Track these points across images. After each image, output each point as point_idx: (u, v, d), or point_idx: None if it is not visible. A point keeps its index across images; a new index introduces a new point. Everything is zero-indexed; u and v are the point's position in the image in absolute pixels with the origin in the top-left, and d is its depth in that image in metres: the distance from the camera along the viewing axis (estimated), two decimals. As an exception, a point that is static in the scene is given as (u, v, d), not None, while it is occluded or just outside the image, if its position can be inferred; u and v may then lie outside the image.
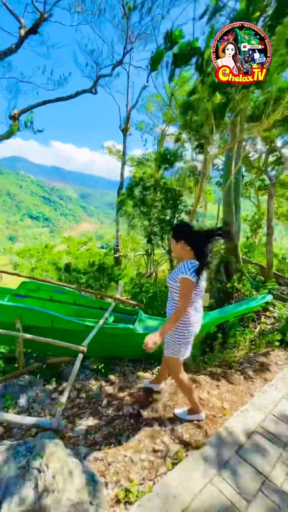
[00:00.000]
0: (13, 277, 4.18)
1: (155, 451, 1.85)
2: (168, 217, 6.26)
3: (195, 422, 2.11)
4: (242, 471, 1.67)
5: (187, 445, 1.88)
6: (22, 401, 2.53)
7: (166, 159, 6.36)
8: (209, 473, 1.62)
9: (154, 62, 2.75)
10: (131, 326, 3.09)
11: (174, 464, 1.71)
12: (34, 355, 3.64)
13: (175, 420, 2.14)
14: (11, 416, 1.92)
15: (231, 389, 2.66)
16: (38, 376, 2.93)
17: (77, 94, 6.94)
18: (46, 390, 2.70)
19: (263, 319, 4.50)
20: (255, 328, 4.27)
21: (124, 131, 11.03)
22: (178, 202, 5.95)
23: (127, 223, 6.95)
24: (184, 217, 6.15)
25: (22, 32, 5.03)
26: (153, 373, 2.96)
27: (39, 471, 1.45)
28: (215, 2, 2.33)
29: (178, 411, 2.22)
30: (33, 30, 5.05)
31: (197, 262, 1.75)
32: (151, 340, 1.59)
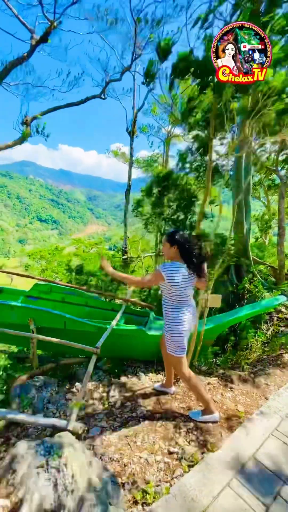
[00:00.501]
0: (23, 278, 4.26)
1: (170, 453, 1.85)
2: (181, 218, 6.23)
3: (210, 424, 2.10)
4: (260, 475, 1.65)
5: (202, 447, 1.87)
6: (37, 401, 2.58)
7: (186, 160, 6.35)
8: (227, 476, 1.61)
9: (149, 76, 2.78)
10: (142, 328, 3.10)
11: (190, 467, 1.70)
12: (45, 355, 3.70)
13: (190, 422, 2.14)
14: (28, 417, 1.97)
15: (245, 391, 2.63)
16: (51, 377, 2.98)
17: (87, 99, 7.04)
18: (60, 390, 2.74)
19: (275, 321, 4.43)
20: (268, 330, 4.21)
21: (131, 133, 11.08)
22: (192, 202, 5.93)
23: (142, 223, 6.95)
24: (196, 218, 6.12)
25: (33, 41, 5.16)
26: (165, 375, 2.95)
27: (58, 471, 1.47)
28: (212, 12, 2.34)
29: (193, 412, 2.22)
30: (44, 39, 5.18)
31: (179, 263, 1.98)
32: (104, 263, 2.16)
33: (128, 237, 13.84)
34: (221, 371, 3.07)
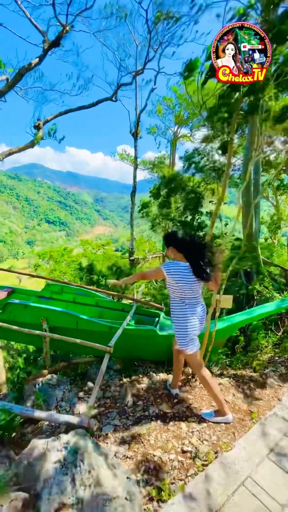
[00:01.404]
0: (32, 279, 4.34)
1: (184, 451, 1.86)
2: (189, 219, 6.26)
3: (223, 424, 2.10)
4: (274, 475, 1.65)
5: (216, 446, 1.88)
6: (51, 399, 2.63)
7: (191, 161, 6.38)
8: (241, 475, 1.61)
9: (190, 70, 2.78)
10: (153, 328, 3.12)
11: (204, 465, 1.71)
12: (56, 354, 3.75)
13: (203, 422, 2.14)
14: (44, 414, 2.01)
15: (257, 392, 2.62)
16: (64, 376, 3.02)
17: (98, 102, 7.12)
18: (72, 389, 2.78)
19: (287, 322, 4.38)
20: (279, 331, 4.16)
21: (135, 135, 11.13)
22: (199, 204, 5.94)
23: (150, 223, 7.00)
24: (204, 219, 6.13)
25: (46, 45, 5.27)
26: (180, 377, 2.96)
27: (75, 466, 1.51)
28: (243, 11, 2.33)
29: (205, 412, 2.23)
30: (56, 43, 5.28)
31: (182, 263, 2.03)
32: (112, 282, 2.48)
33: (135, 238, 13.91)
34: (232, 372, 3.06)
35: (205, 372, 2.14)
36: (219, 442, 1.93)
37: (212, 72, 2.21)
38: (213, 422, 2.12)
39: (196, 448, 1.87)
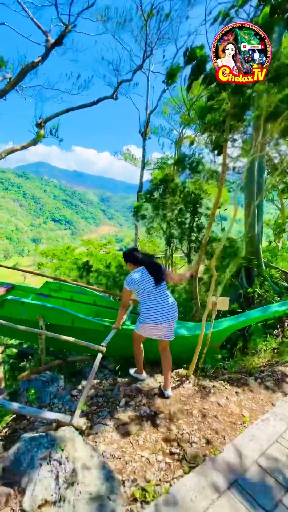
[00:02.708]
0: (36, 277, 4.38)
1: (172, 453, 1.85)
2: (187, 221, 6.24)
3: (214, 427, 2.08)
4: (262, 481, 1.62)
5: (204, 449, 1.86)
6: (44, 396, 2.64)
7: (183, 163, 6.37)
8: (228, 480, 1.59)
9: (171, 76, 2.79)
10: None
11: (191, 468, 1.70)
12: (53, 352, 3.77)
13: (193, 424, 2.13)
14: (34, 410, 2.02)
15: (251, 396, 2.59)
16: (58, 373, 3.03)
17: (99, 100, 7.15)
18: (66, 387, 2.79)
19: (286, 326, 4.33)
20: (278, 335, 4.11)
21: (144, 135, 11.12)
22: (198, 205, 5.91)
23: (146, 226, 7.00)
24: (203, 220, 6.09)
25: (48, 44, 5.31)
26: (170, 376, 2.95)
27: (60, 463, 1.51)
28: (225, 13, 2.33)
29: (131, 370, 2.90)
30: (59, 42, 5.32)
31: (135, 271, 2.56)
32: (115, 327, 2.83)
33: (139, 239, 13.91)
34: (228, 375, 3.03)
35: (138, 348, 2.74)
36: (208, 445, 1.91)
37: (196, 75, 2.20)
38: (133, 376, 2.80)
39: (184, 450, 1.85)
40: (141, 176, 11.60)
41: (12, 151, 5.13)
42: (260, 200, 6.34)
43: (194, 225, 5.93)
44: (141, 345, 2.76)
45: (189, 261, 6.80)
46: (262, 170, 6.52)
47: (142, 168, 11.46)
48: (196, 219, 5.94)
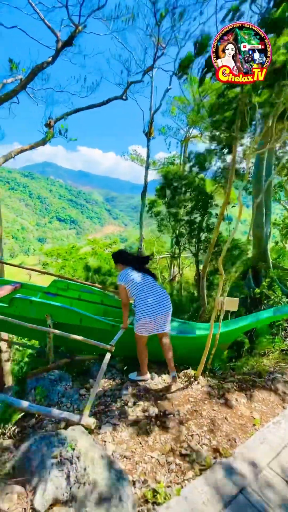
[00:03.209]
0: (41, 276, 4.40)
1: (182, 455, 1.83)
2: (197, 219, 6.20)
3: (224, 430, 2.06)
4: (275, 484, 1.59)
5: (215, 452, 1.84)
6: (52, 395, 2.64)
7: (192, 161, 6.35)
8: (240, 483, 1.57)
9: (183, 68, 2.77)
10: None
11: (202, 470, 1.67)
12: (61, 350, 3.78)
13: (203, 426, 2.10)
14: (43, 409, 2.02)
15: (261, 399, 2.55)
16: (66, 372, 3.04)
17: (108, 100, 7.16)
18: (74, 386, 2.79)
19: (295, 327, 4.26)
20: (287, 337, 4.06)
21: (148, 135, 11.10)
22: (209, 204, 5.87)
23: (157, 223, 6.98)
24: (213, 220, 6.05)
25: (59, 45, 5.34)
26: (178, 376, 2.93)
27: (71, 462, 1.50)
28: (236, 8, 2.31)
29: (131, 374, 2.85)
30: (69, 43, 5.35)
31: (124, 270, 2.73)
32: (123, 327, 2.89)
33: (144, 238, 13.88)
34: (237, 376, 2.99)
35: (142, 348, 2.77)
36: (219, 447, 1.88)
37: (209, 67, 2.19)
38: (136, 380, 2.74)
39: (195, 452, 1.83)
40: (146, 177, 11.57)
41: (22, 151, 5.17)
42: (267, 200, 6.27)
43: (204, 225, 5.89)
44: (145, 346, 2.78)
45: (197, 261, 6.76)
46: (270, 169, 6.45)
47: (147, 168, 11.43)
48: (206, 218, 5.90)
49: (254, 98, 2.21)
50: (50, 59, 5.40)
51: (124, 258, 2.86)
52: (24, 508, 1.37)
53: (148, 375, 2.84)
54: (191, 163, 6.13)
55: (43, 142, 5.44)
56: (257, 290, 5.21)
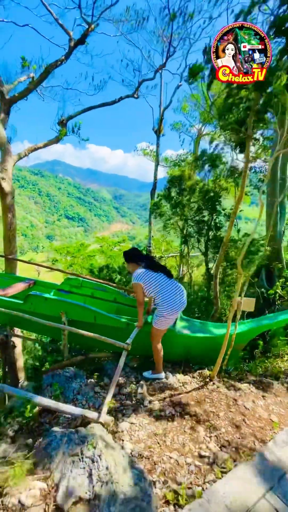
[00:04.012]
0: (50, 273, 4.44)
1: (201, 456, 1.81)
2: (205, 219, 6.13)
3: (242, 431, 2.03)
4: (298, 491, 1.56)
5: (235, 454, 1.81)
6: (68, 392, 2.66)
7: (203, 160, 6.26)
8: (263, 487, 1.54)
9: (193, 75, 2.78)
10: (171, 327, 3.07)
11: (223, 473, 1.65)
12: (75, 348, 3.80)
13: (221, 427, 2.08)
14: (62, 405, 2.03)
15: (278, 401, 2.51)
16: (81, 369, 3.05)
17: (120, 99, 7.15)
18: (89, 383, 2.80)
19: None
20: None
21: (157, 132, 11.01)
22: (216, 204, 5.79)
23: (163, 223, 6.94)
24: (222, 219, 5.99)
25: (71, 43, 5.34)
26: (193, 376, 2.91)
27: (92, 461, 1.50)
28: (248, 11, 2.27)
29: (145, 372, 2.87)
30: (82, 41, 5.35)
31: (139, 270, 2.70)
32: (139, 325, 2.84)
33: (153, 237, 13.82)
34: (252, 378, 2.95)
35: (159, 345, 2.77)
36: (238, 450, 1.85)
37: (213, 74, 2.20)
38: (150, 378, 2.77)
39: (214, 454, 1.81)
40: (155, 174, 11.50)
41: (35, 149, 5.22)
42: (283, 199, 6.13)
43: (213, 223, 5.81)
44: (161, 344, 2.80)
45: (206, 260, 6.69)
46: (285, 168, 6.30)
47: (156, 166, 11.36)
48: (215, 217, 5.83)
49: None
50: (63, 57, 5.40)
51: (137, 257, 2.87)
52: (47, 505, 1.38)
53: (163, 374, 2.83)
54: (203, 160, 6.04)
55: (56, 140, 5.46)
56: (271, 291, 5.11)
